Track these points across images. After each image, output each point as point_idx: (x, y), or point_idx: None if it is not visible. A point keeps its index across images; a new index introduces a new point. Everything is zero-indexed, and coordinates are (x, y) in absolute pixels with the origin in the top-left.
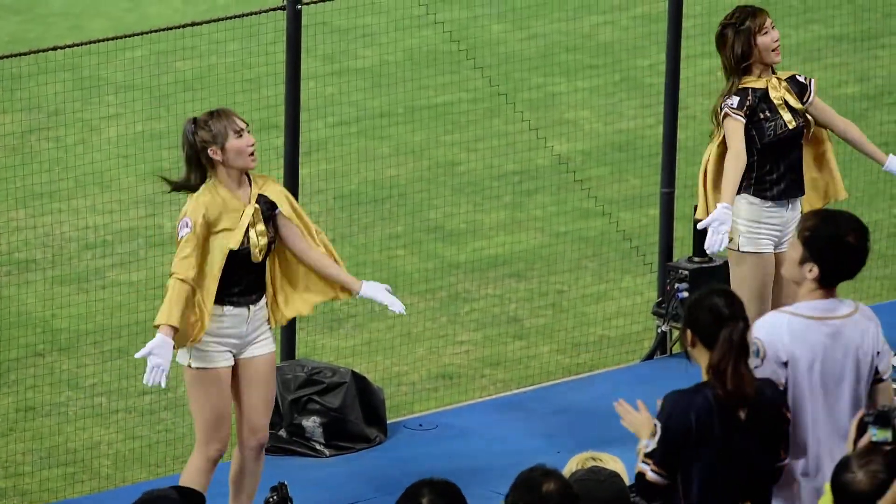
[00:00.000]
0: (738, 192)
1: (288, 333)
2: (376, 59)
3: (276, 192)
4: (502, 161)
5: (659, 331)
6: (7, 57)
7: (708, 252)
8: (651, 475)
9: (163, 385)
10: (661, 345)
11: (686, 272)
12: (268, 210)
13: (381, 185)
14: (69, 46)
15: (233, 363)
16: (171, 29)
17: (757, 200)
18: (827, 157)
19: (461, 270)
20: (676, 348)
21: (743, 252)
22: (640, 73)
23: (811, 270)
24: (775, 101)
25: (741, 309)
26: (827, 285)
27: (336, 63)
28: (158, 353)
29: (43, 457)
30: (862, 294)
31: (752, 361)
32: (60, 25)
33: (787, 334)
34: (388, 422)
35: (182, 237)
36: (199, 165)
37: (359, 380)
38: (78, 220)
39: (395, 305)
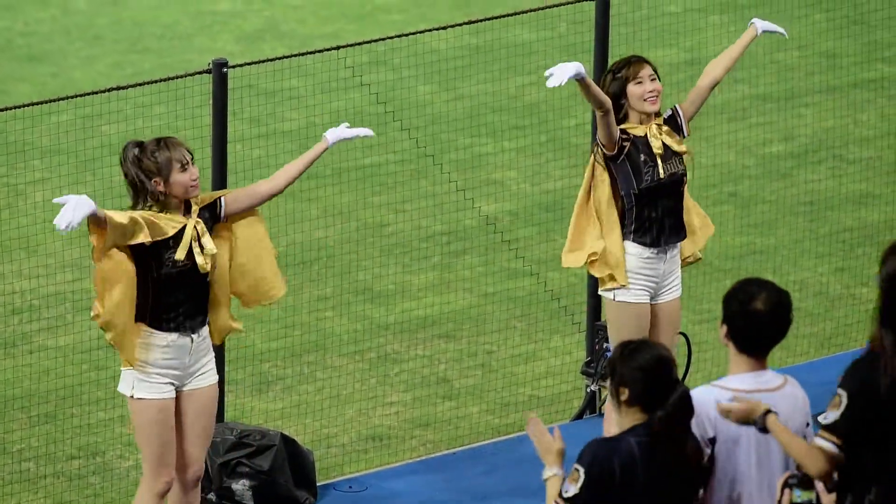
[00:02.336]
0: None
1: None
2: (303, 122)
3: (212, 194)
4: (430, 222)
5: (588, 390)
6: None
7: (549, 85)
8: None
9: (60, 227)
10: (590, 404)
11: None
12: (212, 219)
13: (310, 247)
14: None
15: (174, 395)
16: (96, 93)
17: (636, 248)
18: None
19: (390, 331)
20: (604, 409)
21: (618, 301)
22: (566, 133)
23: (726, 335)
24: (655, 151)
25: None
26: (748, 352)
27: (263, 125)
28: (75, 205)
29: None
30: (790, 352)
31: None
32: None
33: (713, 409)
34: (318, 484)
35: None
36: (145, 189)
37: (288, 442)
38: (4, 285)
39: (362, 131)
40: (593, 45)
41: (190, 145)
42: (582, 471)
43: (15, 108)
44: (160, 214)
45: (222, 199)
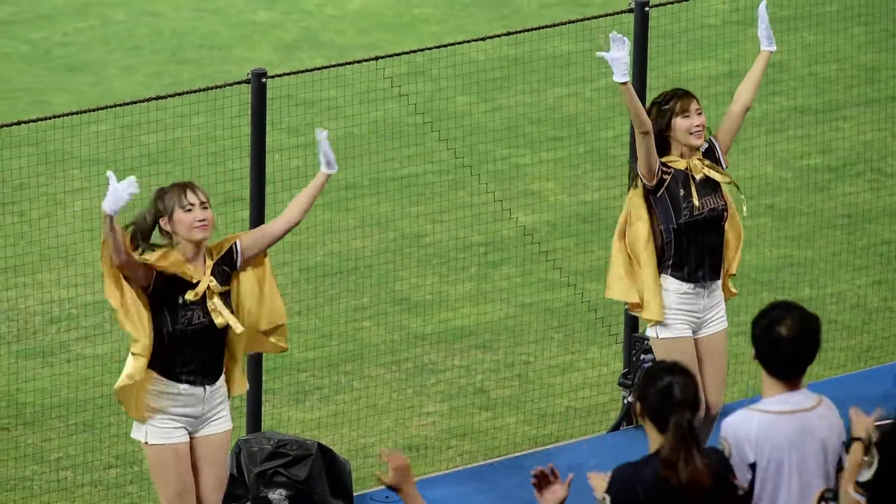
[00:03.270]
0: (661, 273)
1: (254, 406)
2: (342, 132)
3: (229, 240)
4: (468, 232)
5: (625, 402)
6: None
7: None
8: None
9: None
10: (627, 416)
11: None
12: (230, 268)
13: (347, 258)
14: (34, 121)
15: (188, 440)
16: (135, 103)
17: (674, 284)
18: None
19: (427, 342)
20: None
21: (661, 339)
22: (604, 144)
23: (755, 358)
24: (696, 185)
25: (694, 392)
26: (778, 376)
27: (301, 136)
28: (120, 187)
29: None
30: (827, 365)
31: None
32: (24, 100)
33: (754, 433)
34: (355, 494)
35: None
36: (150, 232)
37: (325, 452)
38: (43, 293)
39: (322, 138)
40: (632, 57)
41: (229, 155)
42: (608, 499)
43: (54, 117)
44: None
45: (237, 244)
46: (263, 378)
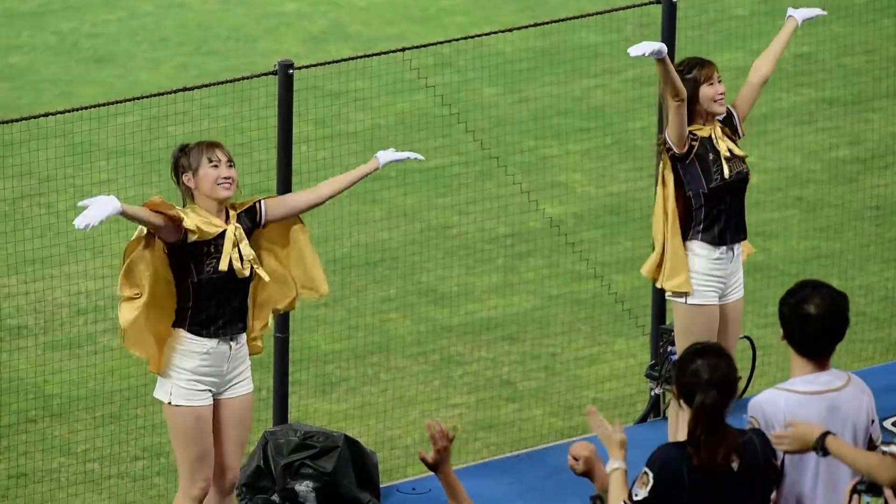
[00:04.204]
0: (686, 239)
1: (280, 398)
2: (368, 123)
3: (250, 199)
4: (494, 224)
5: (652, 394)
6: None
7: (632, 54)
8: None
9: (78, 226)
10: (654, 407)
11: None
12: (252, 224)
13: (374, 249)
14: (61, 113)
15: (211, 402)
16: (162, 94)
17: (704, 249)
18: None
19: (454, 333)
20: (670, 411)
21: (691, 304)
22: (631, 135)
23: (783, 336)
24: (721, 152)
25: (725, 373)
26: (807, 355)
27: (328, 127)
28: (98, 205)
29: None
30: (855, 357)
31: None
32: (51, 92)
33: (783, 412)
34: (382, 486)
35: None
36: (181, 189)
37: (352, 444)
38: (70, 285)
39: (412, 154)
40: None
41: (255, 146)
42: (651, 475)
43: (81, 109)
44: (200, 213)
45: (262, 203)
46: (290, 370)
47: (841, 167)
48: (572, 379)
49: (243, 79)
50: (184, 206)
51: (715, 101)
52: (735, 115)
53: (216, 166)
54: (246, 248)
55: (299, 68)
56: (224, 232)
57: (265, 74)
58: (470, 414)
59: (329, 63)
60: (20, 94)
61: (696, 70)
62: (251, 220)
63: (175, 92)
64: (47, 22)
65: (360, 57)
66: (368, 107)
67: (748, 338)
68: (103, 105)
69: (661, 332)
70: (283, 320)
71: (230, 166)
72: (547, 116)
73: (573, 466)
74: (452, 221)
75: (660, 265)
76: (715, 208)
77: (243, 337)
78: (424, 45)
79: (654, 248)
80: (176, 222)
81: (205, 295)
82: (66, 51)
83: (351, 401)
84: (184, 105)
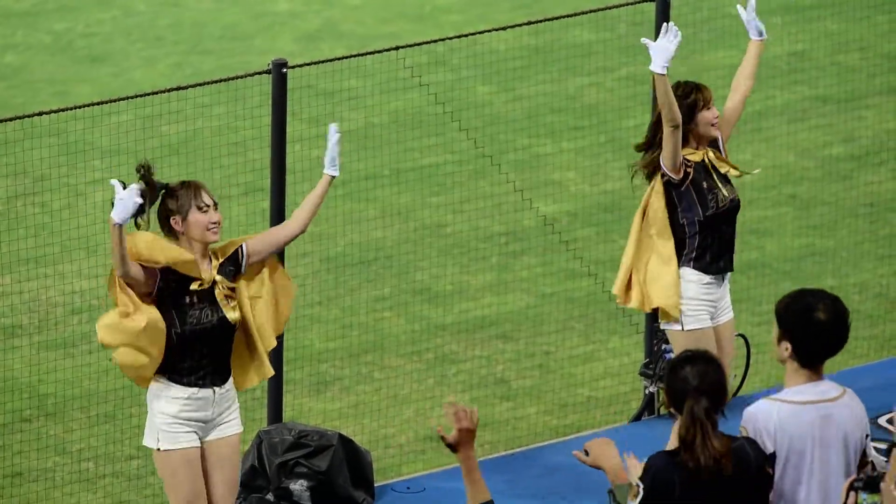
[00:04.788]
0: (680, 266)
1: (275, 396)
2: (362, 122)
3: (234, 242)
4: (488, 222)
5: (646, 392)
6: None
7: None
8: None
9: (116, 221)
10: (648, 406)
11: None
12: (233, 270)
13: (368, 248)
14: (55, 112)
15: (199, 444)
16: (156, 93)
17: (696, 276)
18: None
19: (448, 332)
20: (664, 409)
21: (688, 331)
22: (625, 133)
23: (787, 349)
24: (718, 177)
25: (715, 379)
26: (808, 365)
27: (322, 126)
28: (126, 196)
29: None
30: (850, 354)
31: None
32: (46, 91)
33: (774, 424)
34: (376, 484)
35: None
36: (170, 230)
37: (346, 442)
38: (64, 284)
39: (333, 129)
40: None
41: (249, 145)
42: (642, 487)
43: (76, 108)
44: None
45: (244, 247)
46: (284, 369)
47: (835, 164)
48: (566, 377)
49: (237, 78)
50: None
51: (712, 125)
52: (719, 137)
53: (205, 212)
54: (230, 307)
55: (293, 67)
56: (213, 285)
57: (259, 73)
58: None
59: (323, 62)
60: (15, 93)
61: (694, 94)
62: (234, 266)
63: (169, 91)
64: (42, 21)
65: (354, 56)
66: (362, 105)
67: (742, 336)
68: (98, 104)
69: (654, 331)
70: None
71: (217, 209)
72: (541, 115)
73: (580, 457)
74: (446, 220)
75: (628, 288)
76: (709, 236)
77: (229, 381)
78: (418, 44)
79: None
80: (151, 276)
81: (187, 346)
82: (60, 50)
83: (345, 399)
84: (178, 104)
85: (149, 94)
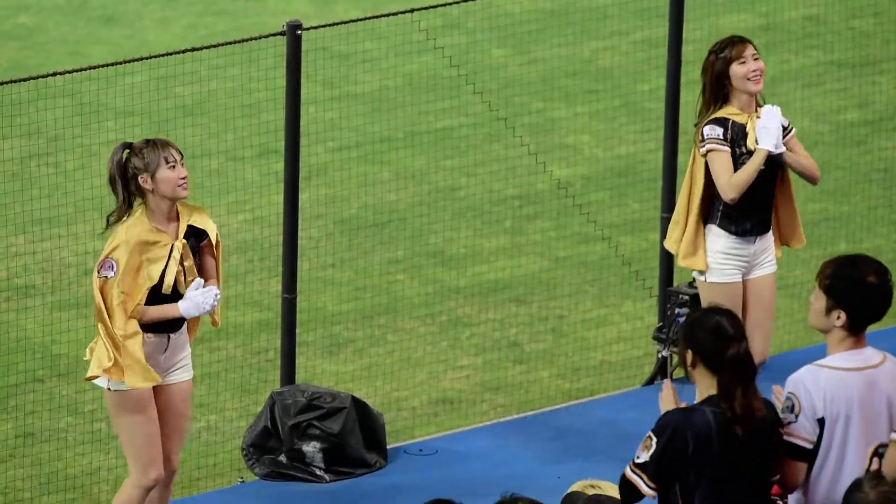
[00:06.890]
0: (706, 223)
1: (287, 358)
2: (376, 85)
3: (206, 222)
4: (502, 186)
5: (660, 356)
6: (7, 83)
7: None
8: (645, 489)
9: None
10: (661, 370)
11: (687, 297)
12: (196, 242)
13: (382, 210)
14: (69, 72)
15: (151, 388)
16: (171, 54)
17: (723, 234)
18: (787, 202)
19: (461, 295)
20: (677, 373)
21: (710, 283)
22: (640, 97)
23: (839, 318)
24: (749, 146)
25: (742, 328)
26: (855, 332)
27: (336, 88)
28: (202, 300)
29: (42, 483)
30: None
31: (786, 417)
32: (60, 52)
33: (823, 389)
34: (389, 447)
35: (104, 277)
36: (127, 190)
37: (359, 405)
38: (77, 245)
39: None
40: (668, 10)
41: (263, 107)
42: (655, 440)
43: (90, 68)
44: (147, 225)
45: (211, 238)
46: (297, 331)
47: (849, 130)
48: (579, 341)
49: (252, 39)
50: (127, 208)
51: (748, 80)
52: (789, 130)
53: (173, 167)
54: (190, 267)
55: (308, 29)
56: (171, 248)
57: (273, 35)
58: (477, 375)
59: (337, 24)
60: (29, 54)
61: (727, 49)
62: (197, 239)
63: (183, 52)
64: None
65: (369, 18)
66: (377, 68)
67: None
68: (111, 65)
69: (668, 295)
70: (290, 281)
71: (183, 165)
72: (555, 78)
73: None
74: (460, 183)
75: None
76: (738, 199)
77: (183, 327)
78: (433, 7)
79: (676, 223)
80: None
81: (149, 302)
82: (74, 10)
83: (358, 362)
84: (192, 65)
85: (163, 55)
